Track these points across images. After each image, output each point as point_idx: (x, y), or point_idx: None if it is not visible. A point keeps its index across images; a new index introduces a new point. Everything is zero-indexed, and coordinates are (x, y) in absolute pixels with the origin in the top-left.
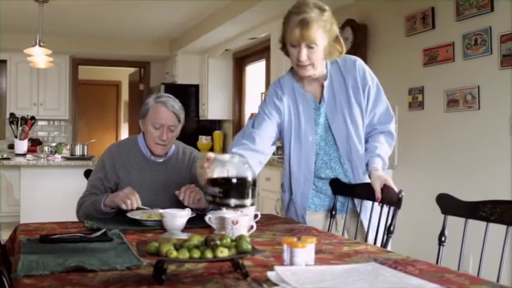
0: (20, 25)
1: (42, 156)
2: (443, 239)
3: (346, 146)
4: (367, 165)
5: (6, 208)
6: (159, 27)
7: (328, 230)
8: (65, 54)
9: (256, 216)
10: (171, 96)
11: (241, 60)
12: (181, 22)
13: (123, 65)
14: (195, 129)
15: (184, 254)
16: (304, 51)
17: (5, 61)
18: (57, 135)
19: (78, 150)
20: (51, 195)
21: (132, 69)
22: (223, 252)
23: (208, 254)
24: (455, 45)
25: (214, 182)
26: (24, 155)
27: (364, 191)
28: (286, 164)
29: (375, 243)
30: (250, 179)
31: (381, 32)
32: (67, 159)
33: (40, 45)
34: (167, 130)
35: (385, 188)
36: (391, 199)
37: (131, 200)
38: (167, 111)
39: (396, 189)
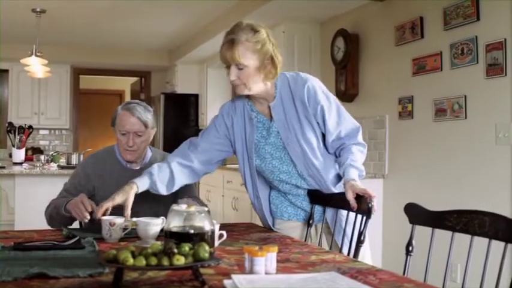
0: (20, 35)
1: (38, 165)
2: (410, 248)
3: (304, 163)
4: (342, 176)
5: (6, 217)
6: (158, 37)
7: (305, 240)
8: (66, 64)
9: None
10: (141, 103)
11: None
12: (179, 32)
13: (124, 75)
14: None
15: (141, 262)
16: (233, 71)
17: (7, 71)
18: (58, 144)
19: (74, 159)
20: (46, 203)
21: (133, 79)
22: (180, 260)
23: (165, 262)
24: (443, 55)
25: (171, 234)
26: (21, 163)
27: (341, 200)
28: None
29: (348, 253)
30: (207, 228)
31: (372, 41)
32: (62, 168)
33: (37, 55)
34: (133, 136)
35: (358, 197)
36: (365, 208)
37: (81, 210)
38: (132, 117)
39: (369, 198)
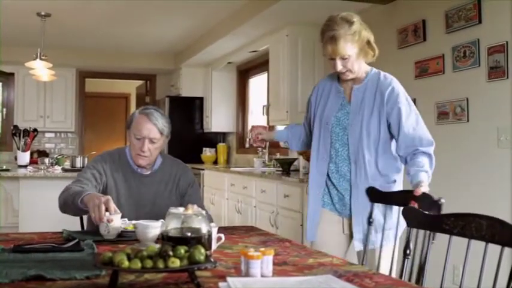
0: (26, 39)
1: (42, 168)
2: (408, 252)
3: (356, 147)
4: (412, 178)
5: (11, 219)
6: (163, 41)
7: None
8: (72, 67)
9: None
10: (158, 109)
11: (244, 73)
12: (184, 36)
13: (129, 78)
14: (199, 141)
15: (136, 264)
16: (339, 63)
17: (12, 74)
18: (64, 147)
19: (78, 162)
20: (49, 206)
21: (139, 82)
22: (175, 263)
23: (160, 264)
24: (445, 58)
25: (168, 237)
26: (26, 166)
27: (403, 198)
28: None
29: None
30: (204, 231)
31: (376, 44)
32: (66, 170)
33: (41, 59)
34: (148, 142)
35: (423, 195)
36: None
37: (100, 213)
38: (149, 123)
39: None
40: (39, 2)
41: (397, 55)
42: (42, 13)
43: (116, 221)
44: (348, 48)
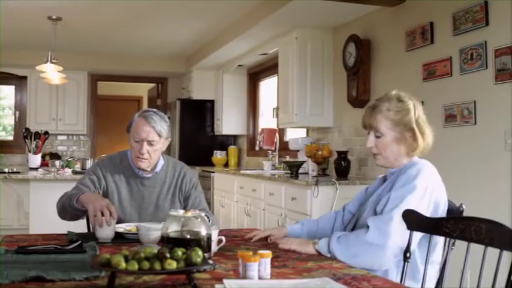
0: (38, 42)
1: (53, 170)
2: (408, 255)
3: None
4: None
5: (22, 221)
6: (174, 44)
7: None
8: (83, 71)
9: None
10: (158, 112)
11: (255, 76)
12: (195, 38)
13: (141, 81)
14: (210, 144)
15: (133, 266)
16: (370, 138)
17: (25, 77)
18: (76, 150)
19: (89, 165)
20: None
21: (151, 85)
22: (171, 265)
23: (157, 266)
24: (453, 60)
25: (168, 239)
26: (37, 169)
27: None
28: None
29: None
30: (204, 233)
31: (383, 47)
32: (76, 173)
33: (52, 62)
34: (146, 144)
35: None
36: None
37: (105, 217)
38: (147, 126)
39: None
40: (50, 6)
41: (405, 57)
42: (54, 17)
43: (113, 225)
44: (382, 124)
